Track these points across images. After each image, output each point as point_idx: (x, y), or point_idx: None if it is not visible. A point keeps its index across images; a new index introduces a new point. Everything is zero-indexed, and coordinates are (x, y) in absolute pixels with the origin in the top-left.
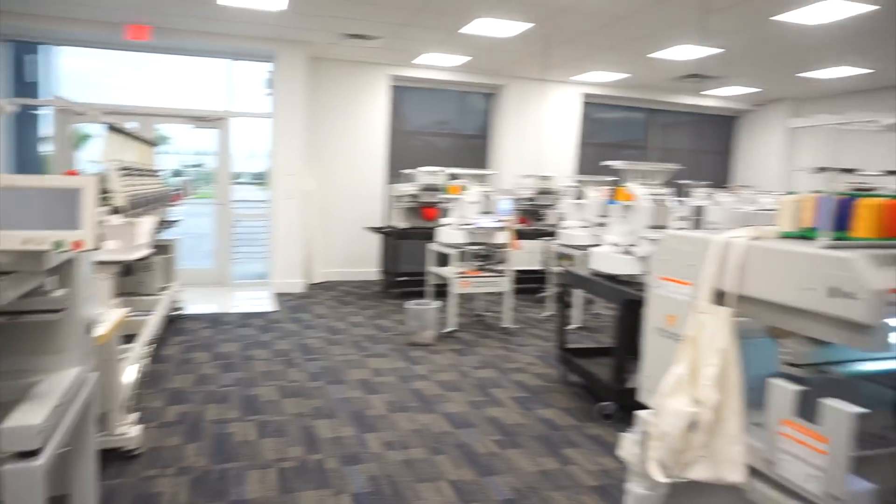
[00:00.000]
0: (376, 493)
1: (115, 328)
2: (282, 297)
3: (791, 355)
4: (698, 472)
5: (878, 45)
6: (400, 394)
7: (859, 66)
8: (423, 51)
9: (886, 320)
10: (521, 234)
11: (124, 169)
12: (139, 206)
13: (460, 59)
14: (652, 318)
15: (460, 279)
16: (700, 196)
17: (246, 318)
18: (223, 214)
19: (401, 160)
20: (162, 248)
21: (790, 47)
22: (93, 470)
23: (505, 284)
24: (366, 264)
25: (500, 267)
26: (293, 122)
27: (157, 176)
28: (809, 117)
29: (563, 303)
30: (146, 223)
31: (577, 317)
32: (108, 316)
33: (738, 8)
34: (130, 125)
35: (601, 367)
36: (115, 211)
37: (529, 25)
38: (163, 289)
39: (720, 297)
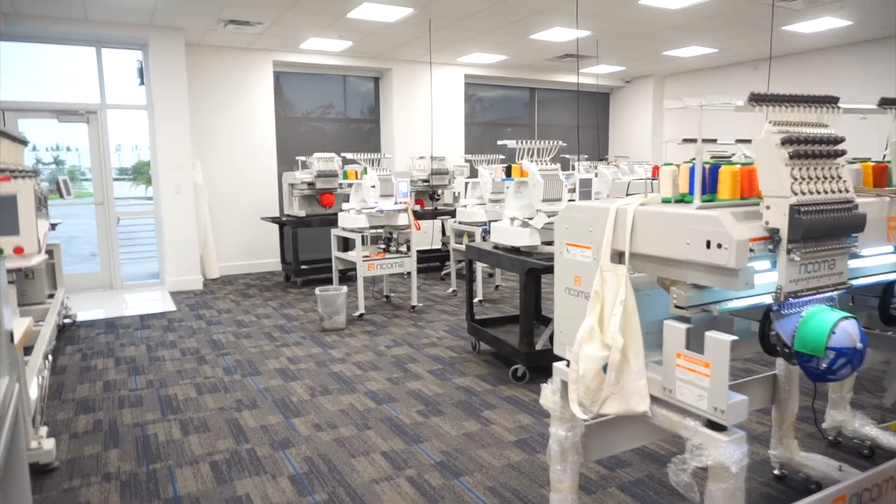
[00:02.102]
0: (313, 471)
1: (23, 338)
2: (179, 295)
3: (678, 300)
4: (612, 407)
5: (720, 26)
6: (320, 378)
7: (707, 46)
8: (307, 36)
9: (750, 264)
10: (420, 215)
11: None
12: None
13: (345, 44)
14: (560, 279)
15: (366, 262)
16: (584, 168)
17: (145, 320)
18: (105, 214)
19: (292, 147)
20: (46, 254)
21: (654, 28)
22: (27, 484)
23: (410, 264)
24: (266, 255)
25: (403, 248)
26: (173, 113)
27: (33, 177)
28: (678, 100)
29: (469, 277)
30: (39, 227)
31: (479, 290)
32: (15, 325)
33: None
34: None
35: (509, 335)
36: None
37: (410, 11)
38: (50, 296)
39: (618, 257)
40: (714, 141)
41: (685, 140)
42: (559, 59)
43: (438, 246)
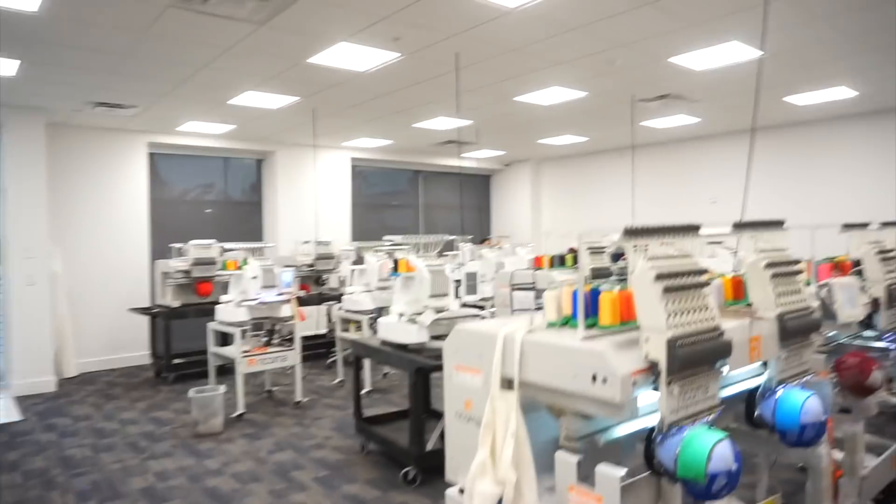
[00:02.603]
0: None
1: None
2: (27, 400)
3: (567, 433)
4: None
5: (588, 120)
6: (193, 496)
7: (577, 135)
8: (185, 119)
9: (634, 394)
10: (305, 301)
11: None
12: None
13: (227, 127)
14: (451, 403)
15: (246, 358)
16: (466, 250)
17: None
18: None
19: (168, 233)
20: None
21: (529, 120)
22: None
23: (294, 358)
24: (133, 348)
25: (286, 341)
26: (30, 196)
27: None
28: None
29: (356, 373)
30: None
31: (367, 381)
32: None
33: (485, 89)
34: None
35: (399, 433)
36: None
37: (296, 99)
38: None
39: (508, 383)
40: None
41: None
42: (442, 144)
43: (324, 331)
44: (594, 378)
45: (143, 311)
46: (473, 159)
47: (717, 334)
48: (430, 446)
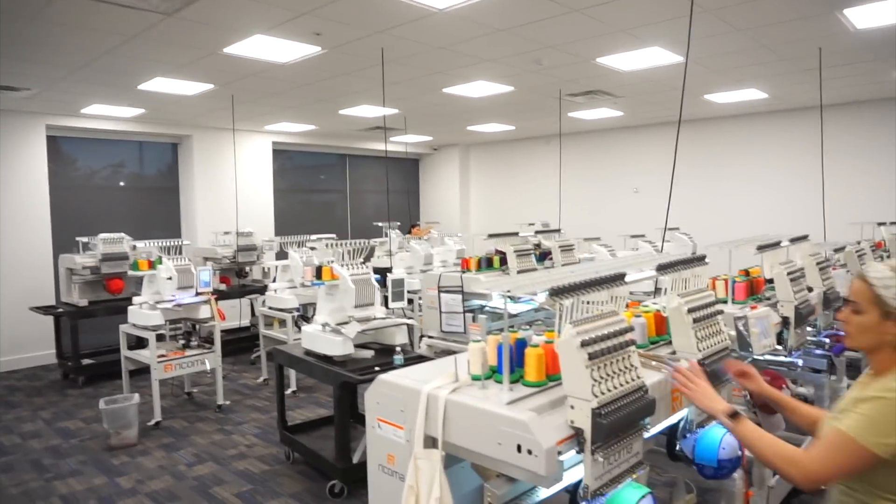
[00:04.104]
0: None
1: None
2: None
3: (492, 499)
4: None
5: (515, 111)
6: None
7: (505, 124)
8: (89, 102)
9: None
10: (226, 294)
11: None
12: None
13: (135, 111)
14: (374, 455)
15: (163, 363)
16: (394, 238)
17: None
18: None
19: (73, 222)
20: None
21: (457, 110)
22: None
23: (214, 360)
24: (37, 347)
25: (206, 342)
26: None
27: None
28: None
29: (279, 379)
30: None
31: (292, 380)
32: None
33: (412, 82)
34: None
35: (325, 441)
36: None
37: (211, 86)
38: None
39: (433, 441)
40: (516, 234)
41: (493, 235)
42: (368, 130)
43: (247, 323)
44: (519, 448)
45: (47, 310)
46: (401, 143)
47: (642, 394)
48: (356, 459)
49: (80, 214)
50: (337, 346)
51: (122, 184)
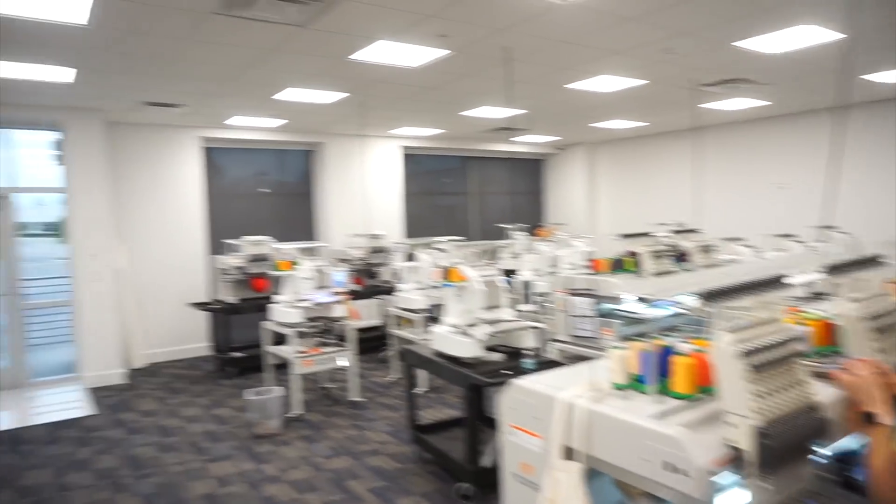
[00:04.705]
0: None
1: None
2: (98, 392)
3: None
4: None
5: (644, 105)
6: None
7: (635, 120)
8: (233, 114)
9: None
10: (357, 294)
11: None
12: None
13: (275, 122)
14: (507, 463)
15: (301, 359)
16: (520, 240)
17: (55, 430)
18: (12, 304)
19: (223, 226)
20: None
21: (583, 107)
22: None
23: (348, 358)
24: (194, 340)
25: (341, 340)
26: (90, 195)
27: None
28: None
29: (409, 379)
30: None
31: (423, 380)
32: None
33: (537, 80)
34: None
35: (454, 444)
36: None
37: (344, 95)
38: None
39: (570, 451)
40: (648, 234)
41: (625, 235)
42: (491, 132)
43: (378, 322)
44: (668, 466)
45: (202, 306)
46: (525, 143)
47: (814, 413)
48: (485, 462)
49: (226, 218)
50: (466, 348)
51: (262, 189)
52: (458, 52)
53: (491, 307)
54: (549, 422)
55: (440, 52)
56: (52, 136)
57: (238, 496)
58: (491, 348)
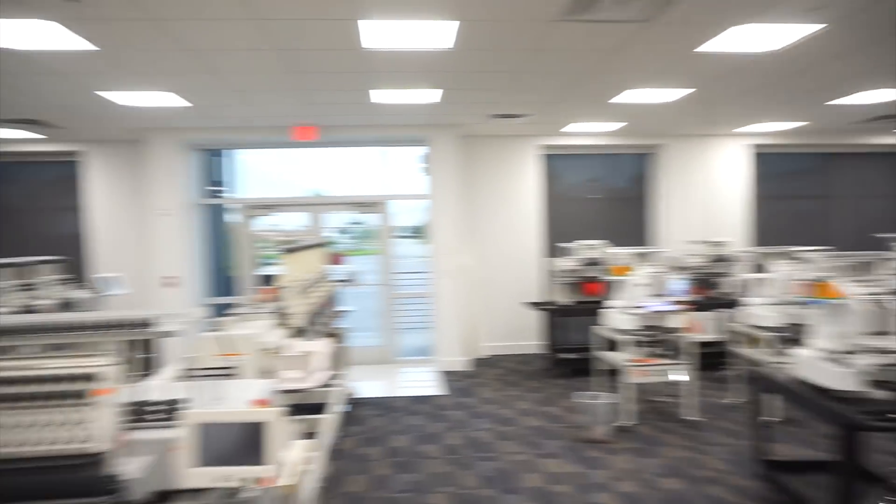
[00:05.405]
0: None
1: (299, 474)
2: (447, 376)
3: None
4: None
5: None
6: None
7: None
8: (571, 121)
9: None
10: (701, 306)
11: (301, 285)
12: (315, 317)
13: (612, 126)
14: None
15: (634, 368)
16: None
17: (414, 404)
18: (386, 291)
19: (558, 230)
20: (334, 336)
21: None
22: None
23: (685, 372)
24: (527, 337)
25: (676, 352)
26: (448, 201)
27: (326, 278)
28: None
29: (755, 408)
30: (321, 349)
31: (772, 408)
32: (291, 457)
33: None
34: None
35: (817, 491)
36: (295, 332)
37: (689, 91)
38: (334, 377)
39: None
40: None
41: None
42: (868, 122)
43: (716, 337)
44: None
45: (537, 305)
46: None
47: None
48: None
49: (560, 222)
50: (842, 379)
51: (593, 195)
52: (835, 26)
53: (878, 332)
54: None
55: (811, 28)
56: (419, 150)
57: (567, 496)
58: (877, 383)
